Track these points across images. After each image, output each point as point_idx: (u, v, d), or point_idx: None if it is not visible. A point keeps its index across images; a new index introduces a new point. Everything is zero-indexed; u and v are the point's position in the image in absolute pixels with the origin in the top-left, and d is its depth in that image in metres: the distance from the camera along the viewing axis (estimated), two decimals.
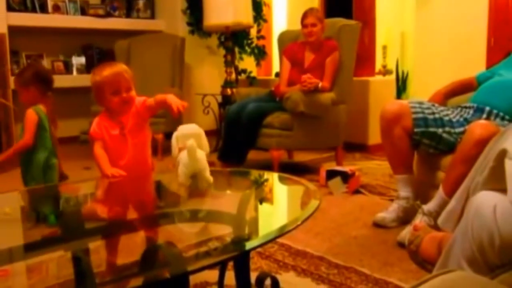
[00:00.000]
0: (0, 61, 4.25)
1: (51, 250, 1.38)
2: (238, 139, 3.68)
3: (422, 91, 4.33)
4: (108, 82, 1.99)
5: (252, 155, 3.78)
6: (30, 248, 1.40)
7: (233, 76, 5.05)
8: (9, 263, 1.30)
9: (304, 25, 3.71)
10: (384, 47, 5.46)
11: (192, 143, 1.66)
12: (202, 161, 1.69)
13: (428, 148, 2.39)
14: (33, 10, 4.87)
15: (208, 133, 5.29)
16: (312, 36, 3.68)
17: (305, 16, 3.72)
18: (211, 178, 1.72)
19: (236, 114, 3.66)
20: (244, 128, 3.65)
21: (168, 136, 3.99)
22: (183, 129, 1.77)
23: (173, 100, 1.95)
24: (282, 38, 4.27)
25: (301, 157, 4.31)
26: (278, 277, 1.73)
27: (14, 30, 4.48)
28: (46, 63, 5.08)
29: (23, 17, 4.69)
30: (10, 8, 4.58)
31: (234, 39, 5.16)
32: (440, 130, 2.33)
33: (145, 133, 2.11)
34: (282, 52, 4.01)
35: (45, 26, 4.88)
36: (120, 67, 2.04)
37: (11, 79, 4.43)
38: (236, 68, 5.28)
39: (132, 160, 2.04)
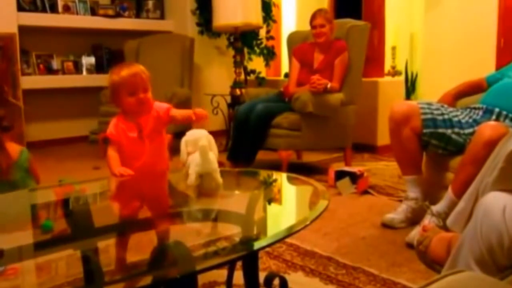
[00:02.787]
0: (10, 61, 4.31)
1: (61, 249, 1.38)
2: (247, 140, 3.68)
3: (431, 92, 4.32)
4: (125, 83, 2.00)
5: (261, 155, 3.78)
6: (40, 246, 1.41)
7: (242, 76, 5.06)
8: (18, 261, 1.30)
9: (313, 26, 3.71)
10: (393, 48, 5.45)
11: (205, 143, 1.68)
12: (213, 162, 1.71)
13: (437, 149, 2.39)
14: (43, 10, 4.90)
15: (218, 134, 5.30)
16: (321, 37, 3.68)
17: (313, 17, 3.73)
18: (220, 180, 1.73)
19: (245, 114, 3.67)
20: (252, 129, 3.65)
21: (177, 136, 4.00)
22: (192, 135, 1.79)
23: (198, 114, 2.07)
24: (291, 38, 4.27)
25: (309, 157, 4.31)
26: (287, 277, 1.73)
27: (24, 30, 4.53)
28: (56, 63, 5.13)
29: (34, 17, 4.73)
30: (20, 8, 4.62)
31: (243, 39, 5.16)
32: (449, 131, 2.33)
33: (162, 137, 2.13)
34: (291, 52, 4.02)
35: (55, 26, 4.91)
36: (137, 68, 2.06)
37: (22, 79, 4.48)
38: (245, 68, 5.30)
39: (148, 162, 2.06)
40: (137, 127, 2.05)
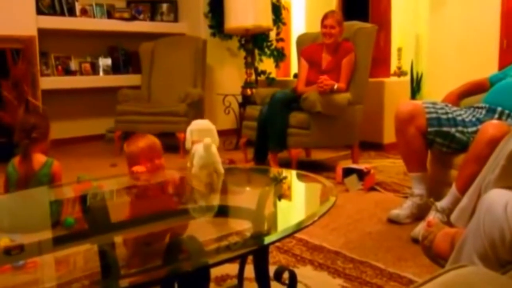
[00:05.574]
0: (30, 62, 4.37)
1: (78, 244, 1.43)
2: (258, 139, 3.78)
3: (436, 92, 4.32)
4: (143, 152, 2.13)
5: None
6: (58, 241, 1.46)
7: (253, 77, 5.12)
8: (38, 255, 1.36)
9: (323, 26, 3.75)
10: (399, 49, 5.42)
11: (209, 140, 1.82)
12: (215, 155, 1.84)
13: (441, 147, 2.42)
14: (62, 13, 4.96)
15: (229, 132, 5.33)
16: (329, 38, 3.73)
17: (325, 17, 3.76)
18: (222, 170, 1.84)
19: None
20: (261, 128, 3.74)
21: None
22: (197, 124, 1.93)
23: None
24: (301, 40, 4.32)
25: (318, 155, 4.34)
26: (296, 270, 1.72)
27: (43, 33, 4.59)
28: (73, 64, 5.19)
29: (52, 20, 4.79)
30: (39, 11, 4.68)
31: (254, 41, 5.22)
32: (453, 130, 2.36)
33: None
34: (300, 53, 4.05)
35: (73, 29, 4.99)
36: (151, 139, 2.20)
37: (41, 80, 4.55)
38: (256, 69, 5.35)
39: None
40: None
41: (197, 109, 4.68)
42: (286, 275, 1.62)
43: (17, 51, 4.30)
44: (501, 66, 4.49)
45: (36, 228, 1.52)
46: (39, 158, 2.29)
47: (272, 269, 1.60)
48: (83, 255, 1.35)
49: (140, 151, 2.14)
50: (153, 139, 2.21)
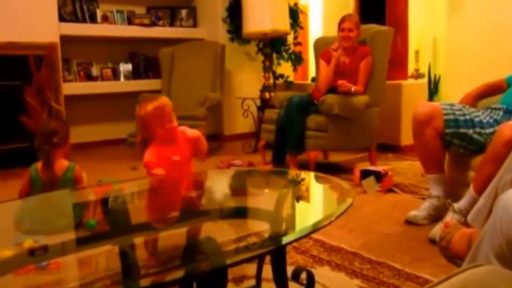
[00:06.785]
0: (53, 69, 4.44)
1: (100, 245, 1.47)
2: (276, 141, 3.82)
3: (453, 94, 4.29)
4: (151, 116, 2.15)
5: None
6: (81, 242, 1.50)
7: (271, 80, 5.16)
8: (61, 256, 1.38)
9: (341, 29, 3.78)
10: (417, 52, 5.38)
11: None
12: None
13: (459, 148, 2.42)
14: (83, 20, 5.06)
15: (248, 135, 5.34)
16: (347, 41, 3.75)
17: (343, 20, 3.79)
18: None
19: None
20: (278, 131, 3.78)
21: (209, 138, 4.14)
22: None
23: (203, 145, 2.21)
24: (318, 44, 4.35)
25: (336, 157, 4.36)
26: (313, 271, 1.73)
27: (65, 39, 4.68)
28: (95, 70, 5.29)
29: (74, 27, 4.89)
30: (62, 18, 4.76)
31: (272, 45, 5.26)
32: (470, 131, 2.37)
33: (192, 160, 2.30)
34: (319, 55, 4.07)
35: (94, 35, 5.08)
36: (161, 101, 2.20)
37: (63, 85, 4.62)
38: (274, 73, 5.39)
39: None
40: (179, 152, 2.21)
41: (216, 113, 4.74)
42: (304, 275, 1.63)
43: (40, 58, 4.38)
44: None
45: (59, 230, 1.56)
46: (61, 163, 2.31)
47: (290, 270, 1.61)
48: (104, 256, 1.39)
49: (147, 116, 2.15)
50: (163, 100, 2.21)
